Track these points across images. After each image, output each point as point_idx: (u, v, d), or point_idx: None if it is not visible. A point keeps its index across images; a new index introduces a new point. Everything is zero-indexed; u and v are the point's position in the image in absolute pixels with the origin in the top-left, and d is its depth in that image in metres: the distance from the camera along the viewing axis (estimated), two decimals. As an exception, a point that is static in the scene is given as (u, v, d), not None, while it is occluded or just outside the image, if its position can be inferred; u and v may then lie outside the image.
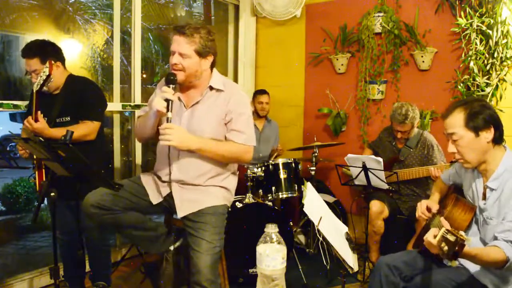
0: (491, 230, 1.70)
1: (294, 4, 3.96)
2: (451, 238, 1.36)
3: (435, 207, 1.98)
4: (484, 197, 1.75)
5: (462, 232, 1.37)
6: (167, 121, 1.87)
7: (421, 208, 1.97)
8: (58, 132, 2.18)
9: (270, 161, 3.15)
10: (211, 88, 2.07)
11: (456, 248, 1.35)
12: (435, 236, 1.43)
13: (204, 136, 2.00)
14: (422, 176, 2.99)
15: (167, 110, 1.86)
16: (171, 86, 1.91)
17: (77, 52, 3.48)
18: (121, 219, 2.00)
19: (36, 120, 2.13)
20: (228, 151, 2.02)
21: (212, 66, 2.09)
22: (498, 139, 1.70)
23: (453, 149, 1.73)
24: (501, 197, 1.67)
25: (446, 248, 1.38)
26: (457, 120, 1.69)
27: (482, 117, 1.66)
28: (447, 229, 1.39)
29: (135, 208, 2.04)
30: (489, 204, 1.71)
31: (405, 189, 3.11)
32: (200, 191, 2.04)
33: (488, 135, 1.67)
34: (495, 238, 1.60)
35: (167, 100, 1.86)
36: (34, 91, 2.14)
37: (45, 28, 3.22)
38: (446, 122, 1.74)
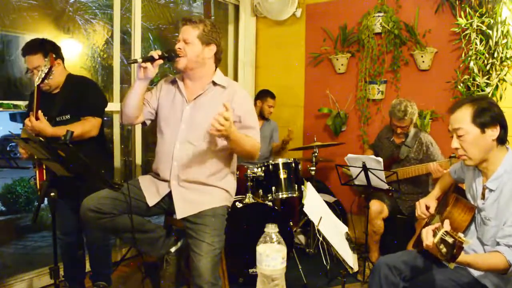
0: (489, 231, 1.69)
1: (292, 3, 3.96)
2: (450, 240, 1.35)
3: (433, 205, 1.98)
4: (483, 197, 1.74)
5: (461, 234, 1.36)
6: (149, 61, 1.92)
7: (420, 208, 1.99)
8: (60, 131, 2.18)
9: (270, 161, 3.15)
10: (214, 84, 2.09)
11: (454, 250, 1.34)
12: (434, 234, 1.43)
13: (207, 127, 2.00)
14: (422, 174, 2.99)
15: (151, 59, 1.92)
16: (163, 55, 1.95)
17: (77, 52, 3.48)
18: (119, 223, 1.99)
19: (37, 119, 2.12)
20: (251, 146, 2.01)
21: (217, 62, 2.12)
22: (502, 139, 1.69)
23: (456, 145, 1.71)
24: (500, 198, 1.66)
25: (444, 250, 1.37)
26: (464, 115, 1.68)
27: (489, 114, 1.65)
28: (445, 231, 1.38)
29: (134, 211, 2.02)
30: (488, 205, 1.71)
31: (405, 188, 3.11)
32: (200, 192, 2.04)
33: (493, 132, 1.66)
34: (497, 244, 1.60)
35: (151, 57, 1.92)
36: (36, 85, 2.14)
37: (45, 28, 3.22)
38: (453, 117, 1.73)
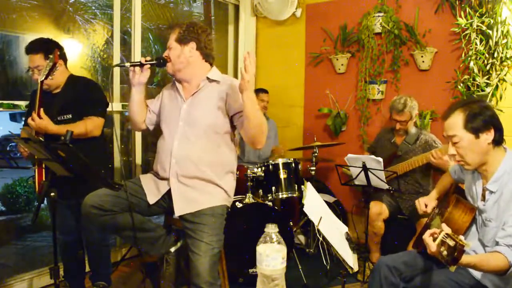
0: (489, 232, 1.69)
1: (292, 3, 3.96)
2: (451, 242, 1.34)
3: (431, 204, 1.99)
4: (484, 198, 1.74)
5: (461, 237, 1.36)
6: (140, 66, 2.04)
7: (420, 206, 2.03)
8: (64, 128, 2.18)
9: (270, 161, 3.15)
10: (209, 80, 2.12)
11: (456, 253, 1.33)
12: (434, 239, 1.42)
13: (205, 123, 2.04)
14: (421, 165, 2.94)
15: (139, 64, 2.03)
16: (150, 60, 2.05)
17: (77, 52, 3.48)
18: (120, 221, 2.00)
19: (40, 117, 2.13)
20: (264, 121, 2.00)
21: (206, 58, 2.14)
22: (498, 140, 1.68)
23: (453, 151, 1.72)
24: (500, 200, 1.66)
25: (445, 253, 1.36)
26: (456, 122, 1.68)
27: (481, 119, 1.65)
28: (446, 233, 1.38)
29: (135, 210, 2.04)
30: (488, 206, 1.70)
31: (406, 188, 3.08)
32: (199, 190, 2.04)
33: (488, 136, 1.66)
34: (497, 244, 1.59)
35: (139, 62, 2.04)
36: (40, 80, 2.15)
37: (45, 28, 3.22)
38: (446, 124, 1.73)
